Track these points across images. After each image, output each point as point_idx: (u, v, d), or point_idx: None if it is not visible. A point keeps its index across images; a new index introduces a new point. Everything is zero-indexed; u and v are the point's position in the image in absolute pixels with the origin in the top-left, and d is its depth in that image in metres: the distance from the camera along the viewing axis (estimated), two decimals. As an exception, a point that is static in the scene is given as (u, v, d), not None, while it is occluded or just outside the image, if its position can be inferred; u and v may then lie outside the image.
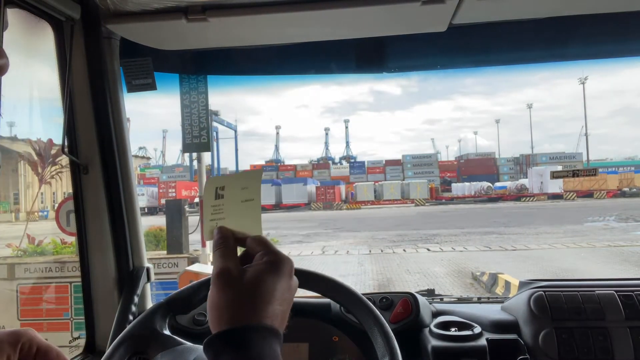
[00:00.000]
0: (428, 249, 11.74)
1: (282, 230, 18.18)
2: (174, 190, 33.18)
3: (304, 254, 11.97)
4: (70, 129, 1.16)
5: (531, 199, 31.36)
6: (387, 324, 0.86)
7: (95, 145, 1.18)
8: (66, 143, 1.15)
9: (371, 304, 0.89)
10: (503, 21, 1.12)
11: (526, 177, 42.31)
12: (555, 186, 31.71)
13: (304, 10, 1.02)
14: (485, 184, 36.02)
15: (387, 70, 1.36)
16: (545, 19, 1.11)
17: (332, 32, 1.16)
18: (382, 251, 11.91)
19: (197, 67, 1.39)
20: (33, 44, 1.16)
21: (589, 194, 31.41)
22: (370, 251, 11.93)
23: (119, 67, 1.21)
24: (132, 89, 1.24)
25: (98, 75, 1.15)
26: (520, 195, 32.92)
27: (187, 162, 66.26)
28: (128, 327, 0.85)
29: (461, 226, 16.93)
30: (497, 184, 36.93)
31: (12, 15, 0.93)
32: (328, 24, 1.10)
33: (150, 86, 1.25)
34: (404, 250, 12.02)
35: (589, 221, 16.74)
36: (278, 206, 35.33)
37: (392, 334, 0.84)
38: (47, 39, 1.11)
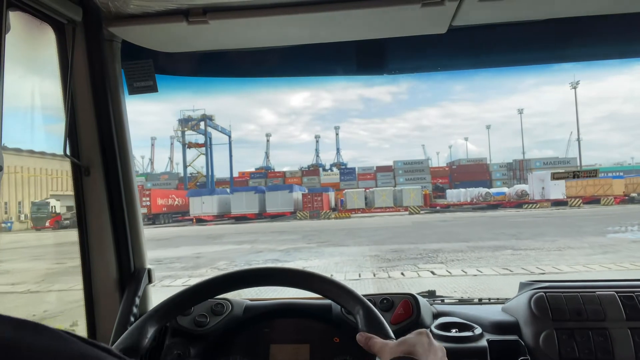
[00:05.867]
0: (432, 272, 9.32)
1: (258, 245, 15.73)
2: (148, 199, 30.33)
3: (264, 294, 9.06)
4: (71, 131, 1.18)
5: (534, 206, 29.61)
6: (368, 302, 0.91)
7: (96, 147, 1.19)
8: (67, 145, 1.16)
9: (350, 287, 0.94)
10: (503, 23, 1.13)
11: (520, 183, 40.58)
12: (558, 192, 29.92)
13: (304, 12, 1.04)
14: (484, 190, 34.26)
15: (388, 72, 1.38)
16: (546, 21, 1.12)
17: (333, 34, 1.17)
18: (374, 275, 9.56)
19: (198, 69, 1.40)
20: (35, 47, 1.16)
21: (595, 200, 29.66)
22: (359, 275, 9.39)
23: (120, 70, 1.23)
24: (133, 91, 1.25)
25: (99, 77, 1.17)
26: (521, 201, 31.02)
27: (176, 170, 64.03)
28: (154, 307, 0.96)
29: (465, 239, 14.99)
30: (493, 190, 34.76)
31: (14, 18, 0.94)
32: (328, 26, 1.12)
33: (152, 88, 1.25)
34: (402, 274, 9.43)
35: (610, 232, 15.19)
36: (261, 215, 32.58)
37: (375, 310, 0.89)
38: (48, 41, 1.13)
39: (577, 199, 29.96)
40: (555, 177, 28.28)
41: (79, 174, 1.20)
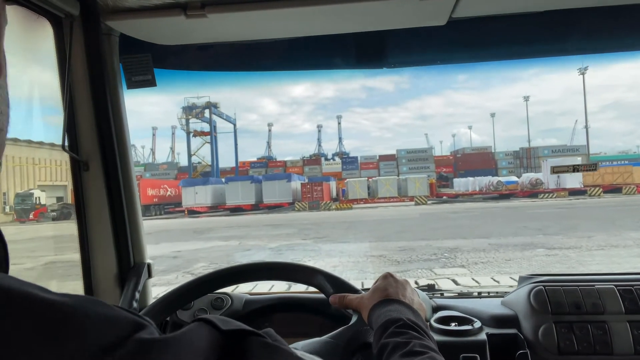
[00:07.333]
0: (455, 281, 7.08)
1: (248, 241, 13.96)
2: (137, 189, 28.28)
3: (260, 288, 6.97)
4: (70, 126, 1.20)
5: (550, 196, 27.76)
6: (325, 270, 1.04)
7: (95, 141, 1.21)
8: (66, 140, 1.18)
9: (305, 264, 1.07)
10: (503, 15, 1.14)
11: (527, 171, 38.95)
12: (575, 181, 28.59)
13: (303, 5, 1.06)
14: (495, 179, 32.65)
15: (387, 65, 1.38)
16: (545, 12, 1.13)
17: (332, 27, 1.18)
18: None
19: (197, 63, 1.41)
20: (32, 41, 1.17)
21: (615, 189, 27.86)
22: (362, 284, 7.06)
23: (118, 64, 1.25)
24: (131, 85, 1.26)
25: (98, 71, 1.19)
26: (535, 191, 29.03)
27: (177, 160, 62.97)
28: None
29: (484, 234, 13.27)
30: (504, 179, 32.95)
31: (11, 12, 0.94)
32: (327, 18, 1.13)
33: (150, 82, 1.26)
34: (417, 282, 7.14)
35: (650, 224, 12.63)
36: (258, 206, 30.56)
37: (335, 274, 1.02)
38: (46, 35, 1.14)
39: (597, 188, 28.37)
40: (554, 170, 27.05)
41: (78, 169, 1.22)
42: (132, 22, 1.11)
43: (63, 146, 1.15)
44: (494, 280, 7.44)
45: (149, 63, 1.24)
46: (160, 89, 1.28)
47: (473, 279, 7.59)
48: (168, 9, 1.06)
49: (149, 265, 1.30)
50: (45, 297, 0.29)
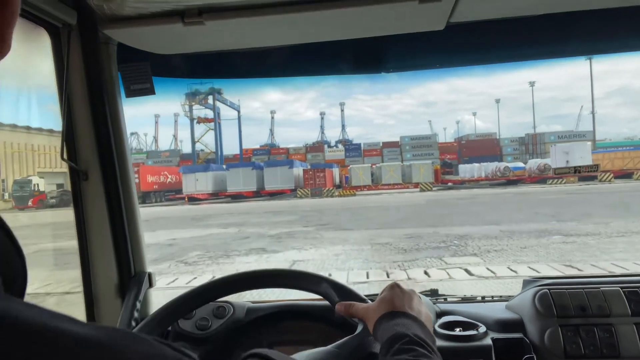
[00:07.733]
0: (468, 271, 6.50)
1: (247, 228, 13.44)
2: (137, 176, 27.80)
3: (263, 295, 6.39)
4: (68, 135, 1.19)
5: (559, 181, 27.03)
6: (330, 277, 1.01)
7: (94, 151, 1.21)
8: (65, 149, 1.18)
9: (310, 271, 1.04)
10: (501, 19, 1.14)
11: (532, 157, 38.49)
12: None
13: (300, 11, 1.05)
14: (502, 165, 32.13)
15: (386, 70, 1.36)
16: (543, 16, 1.13)
17: (329, 33, 1.18)
18: (388, 276, 7.13)
19: (196, 70, 1.40)
20: (30, 51, 1.18)
21: (626, 175, 27.17)
22: (367, 275, 6.71)
23: (116, 72, 1.24)
24: (130, 93, 1.26)
25: (96, 80, 1.19)
26: (544, 176, 28.30)
27: (180, 147, 62.95)
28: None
29: (494, 220, 12.82)
30: (511, 165, 32.22)
31: None
32: (325, 24, 1.13)
33: (149, 90, 1.25)
34: (426, 273, 6.74)
35: (668, 210, 12.12)
36: (259, 193, 29.96)
37: (340, 282, 0.99)
38: (44, 45, 1.14)
39: (608, 173, 28.02)
40: (556, 172, 27.10)
41: (77, 179, 1.21)
42: (129, 31, 1.11)
43: (62, 155, 1.14)
44: (511, 269, 6.84)
45: (148, 71, 1.23)
46: (159, 96, 1.28)
47: (487, 269, 7.00)
48: (166, 16, 1.06)
49: (149, 275, 1.29)
50: (75, 332, 0.25)
